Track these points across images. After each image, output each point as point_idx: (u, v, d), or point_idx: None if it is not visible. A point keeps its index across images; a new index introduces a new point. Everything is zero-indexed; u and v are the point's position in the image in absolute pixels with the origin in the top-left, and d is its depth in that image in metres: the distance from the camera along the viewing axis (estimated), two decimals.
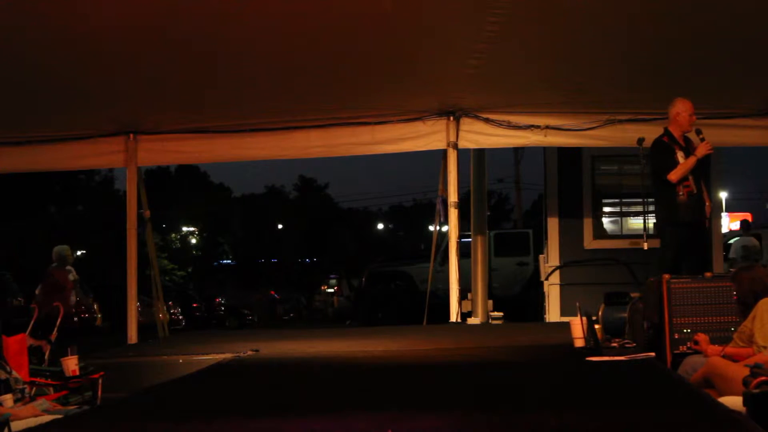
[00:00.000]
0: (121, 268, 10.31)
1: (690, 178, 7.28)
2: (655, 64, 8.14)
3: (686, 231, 7.30)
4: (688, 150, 7.36)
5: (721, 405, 3.55)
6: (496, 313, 11.24)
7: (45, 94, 8.56)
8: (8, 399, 4.52)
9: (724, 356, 4.92)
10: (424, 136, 9.66)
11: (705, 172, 7.42)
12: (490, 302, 11.49)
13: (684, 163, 7.30)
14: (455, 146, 9.56)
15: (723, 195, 29.73)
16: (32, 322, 5.94)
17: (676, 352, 5.74)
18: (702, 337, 5.34)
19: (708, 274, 6.03)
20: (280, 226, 52.73)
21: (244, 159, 10.35)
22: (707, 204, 7.42)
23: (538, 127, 9.42)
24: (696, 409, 3.50)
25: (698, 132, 7.45)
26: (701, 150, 7.31)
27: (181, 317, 26.12)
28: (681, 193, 7.28)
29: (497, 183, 41.30)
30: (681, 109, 7.43)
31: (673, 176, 7.27)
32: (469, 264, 11.42)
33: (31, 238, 32.58)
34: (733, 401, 3.83)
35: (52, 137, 9.83)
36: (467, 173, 11.46)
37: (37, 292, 10.61)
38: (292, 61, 8.05)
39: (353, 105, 9.29)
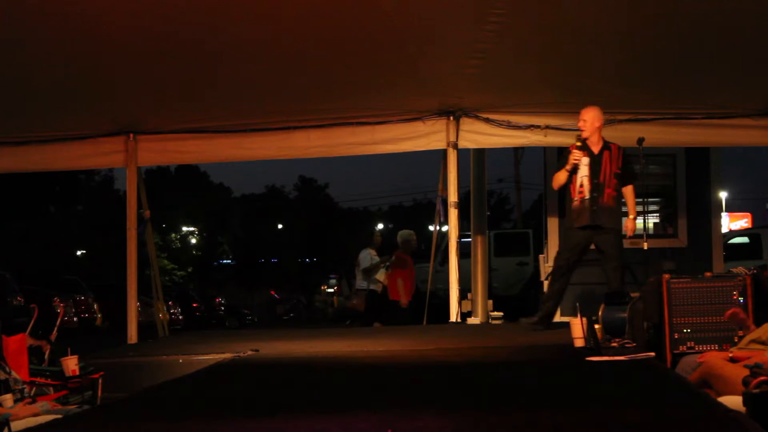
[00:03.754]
0: (121, 268, 10.31)
1: (585, 184, 7.33)
2: (655, 64, 8.15)
3: (579, 235, 7.43)
4: (590, 156, 7.39)
5: (721, 405, 3.55)
6: (496, 313, 11.24)
7: (45, 94, 8.56)
8: (8, 399, 4.52)
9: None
10: (424, 136, 9.67)
11: (625, 177, 7.43)
12: (490, 302, 11.49)
13: (557, 174, 7.47)
14: (455, 146, 9.56)
15: (723, 195, 29.70)
16: (32, 322, 5.93)
17: (676, 352, 5.74)
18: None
19: (708, 274, 6.04)
20: (280, 226, 52.75)
21: (244, 159, 10.35)
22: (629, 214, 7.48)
23: (538, 127, 9.42)
24: (696, 409, 3.50)
25: (577, 138, 7.48)
26: (568, 161, 7.37)
27: (181, 317, 26.14)
28: (575, 198, 7.40)
29: (497, 183, 41.35)
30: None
31: (553, 185, 7.63)
32: (469, 264, 11.42)
33: (32, 238, 32.61)
34: (733, 401, 3.83)
35: (52, 137, 9.83)
36: (467, 173, 11.46)
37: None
38: (292, 61, 8.05)
39: (353, 105, 9.29)
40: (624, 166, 7.41)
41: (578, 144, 7.35)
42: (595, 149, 7.38)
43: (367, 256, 11.43)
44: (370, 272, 11.32)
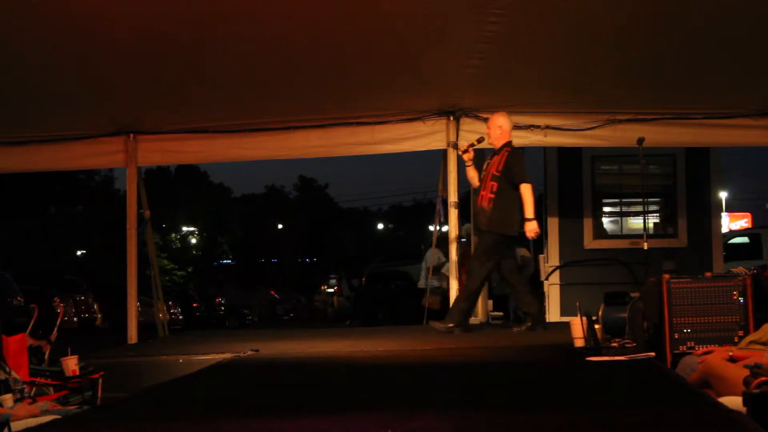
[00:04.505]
0: (121, 268, 10.31)
1: (480, 188, 7.69)
2: (655, 64, 8.14)
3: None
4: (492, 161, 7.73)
5: (721, 405, 3.55)
6: (496, 313, 11.24)
7: (45, 94, 8.55)
8: (8, 399, 4.52)
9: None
10: (424, 136, 9.66)
11: (507, 178, 7.60)
12: (490, 302, 11.49)
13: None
14: (455, 146, 9.55)
15: (723, 195, 29.71)
16: (32, 322, 5.93)
17: (676, 352, 5.75)
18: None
19: (708, 274, 6.04)
20: (280, 226, 52.79)
21: (244, 159, 10.34)
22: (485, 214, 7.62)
23: (538, 127, 9.42)
24: (696, 409, 3.50)
25: (477, 139, 7.90)
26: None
27: (181, 317, 26.14)
28: None
29: None
30: None
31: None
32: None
33: (32, 238, 32.62)
34: (733, 401, 3.84)
35: (52, 137, 9.82)
36: None
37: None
38: (292, 61, 8.04)
39: (353, 105, 9.29)
40: (504, 167, 7.52)
41: (475, 142, 7.77)
42: (493, 155, 7.70)
43: (434, 255, 11.51)
44: (439, 270, 11.40)
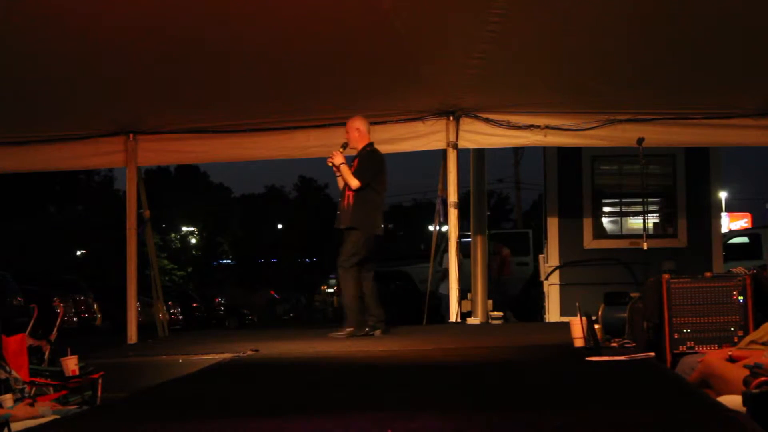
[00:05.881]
0: (121, 268, 10.31)
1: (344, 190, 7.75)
2: (655, 64, 8.15)
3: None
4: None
5: (721, 405, 3.54)
6: (496, 313, 11.25)
7: (45, 94, 8.57)
8: (8, 399, 4.52)
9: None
10: (424, 136, 9.66)
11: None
12: (490, 302, 11.49)
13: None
14: (455, 146, 9.56)
15: (723, 195, 29.72)
16: (32, 322, 5.93)
17: (676, 352, 5.76)
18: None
19: (708, 274, 6.05)
20: (280, 226, 52.81)
21: (244, 159, 10.35)
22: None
23: (537, 127, 9.42)
24: (696, 409, 3.50)
25: (342, 144, 7.87)
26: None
27: (181, 317, 26.13)
28: None
29: (497, 183, 41.40)
30: None
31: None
32: (469, 264, 11.44)
33: (32, 238, 32.63)
34: (733, 401, 3.84)
35: (52, 137, 9.83)
36: (467, 173, 11.46)
37: None
38: (293, 61, 8.05)
39: (353, 105, 9.28)
40: (356, 168, 7.69)
41: (340, 150, 7.76)
42: (354, 157, 7.78)
43: None
44: None
